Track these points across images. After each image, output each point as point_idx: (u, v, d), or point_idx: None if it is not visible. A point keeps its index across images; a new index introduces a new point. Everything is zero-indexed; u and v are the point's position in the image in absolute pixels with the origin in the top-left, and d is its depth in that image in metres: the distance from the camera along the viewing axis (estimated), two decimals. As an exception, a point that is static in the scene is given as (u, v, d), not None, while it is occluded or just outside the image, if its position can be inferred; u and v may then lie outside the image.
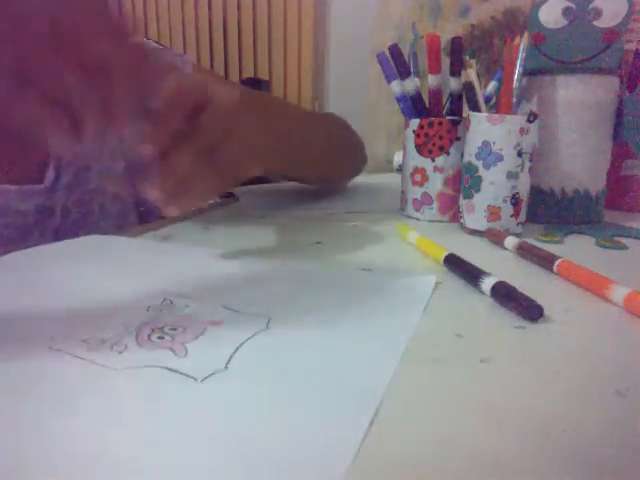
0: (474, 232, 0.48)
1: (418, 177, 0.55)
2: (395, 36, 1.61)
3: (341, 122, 0.73)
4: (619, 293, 0.30)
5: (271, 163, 0.48)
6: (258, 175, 0.41)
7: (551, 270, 0.36)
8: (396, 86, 0.57)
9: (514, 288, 0.30)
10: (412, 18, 1.59)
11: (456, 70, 0.52)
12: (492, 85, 0.56)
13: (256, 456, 0.17)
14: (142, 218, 0.58)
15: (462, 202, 0.50)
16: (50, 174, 0.49)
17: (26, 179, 0.47)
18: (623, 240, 0.46)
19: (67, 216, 0.50)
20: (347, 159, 0.71)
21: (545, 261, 0.37)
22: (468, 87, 0.49)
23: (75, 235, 0.49)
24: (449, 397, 0.21)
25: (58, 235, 0.49)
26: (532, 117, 0.46)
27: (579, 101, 0.51)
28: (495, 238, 0.44)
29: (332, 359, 0.23)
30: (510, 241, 0.42)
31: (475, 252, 0.43)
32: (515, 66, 0.50)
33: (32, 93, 0.23)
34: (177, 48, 1.93)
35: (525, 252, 0.40)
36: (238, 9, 1.96)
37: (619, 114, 0.53)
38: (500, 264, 0.39)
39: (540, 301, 0.29)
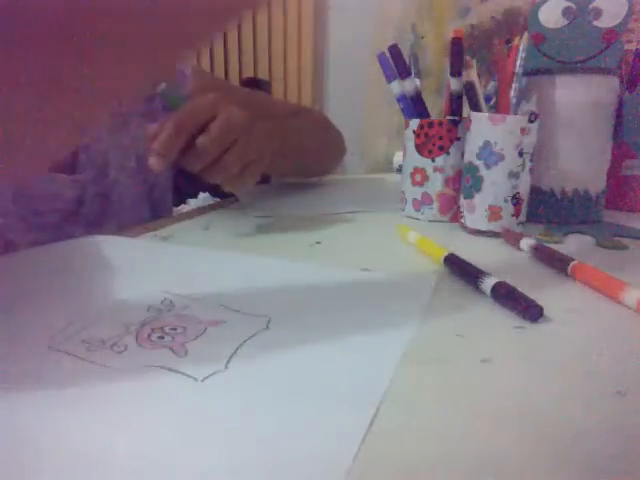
0: (476, 232, 0.48)
1: (418, 177, 0.55)
2: (395, 36, 1.61)
3: (322, 116, 0.82)
4: (633, 295, 0.30)
5: (274, 162, 0.56)
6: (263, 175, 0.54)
7: (565, 272, 0.36)
8: (396, 86, 0.57)
9: (514, 288, 0.30)
10: (412, 19, 1.59)
11: (456, 70, 0.52)
12: (492, 85, 0.56)
13: (256, 456, 0.17)
14: (153, 210, 0.62)
15: (463, 202, 0.50)
16: (82, 166, 0.53)
17: (60, 169, 0.52)
18: (623, 240, 0.46)
19: (93, 208, 0.54)
20: (330, 151, 0.80)
21: (559, 262, 0.37)
22: (469, 87, 0.49)
23: (100, 226, 0.55)
24: (449, 397, 0.21)
25: (88, 225, 0.53)
26: (533, 117, 0.46)
27: (579, 101, 0.51)
28: (511, 238, 0.44)
29: (332, 359, 0.23)
30: (526, 242, 0.42)
31: (477, 252, 0.43)
32: (513, 66, 0.50)
33: None
34: (177, 48, 1.93)
35: (539, 253, 0.40)
36: (238, 9, 1.95)
37: (619, 114, 0.53)
38: (506, 264, 0.39)
39: (543, 301, 0.28)
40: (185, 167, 0.46)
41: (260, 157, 0.50)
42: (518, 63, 0.50)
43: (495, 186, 0.46)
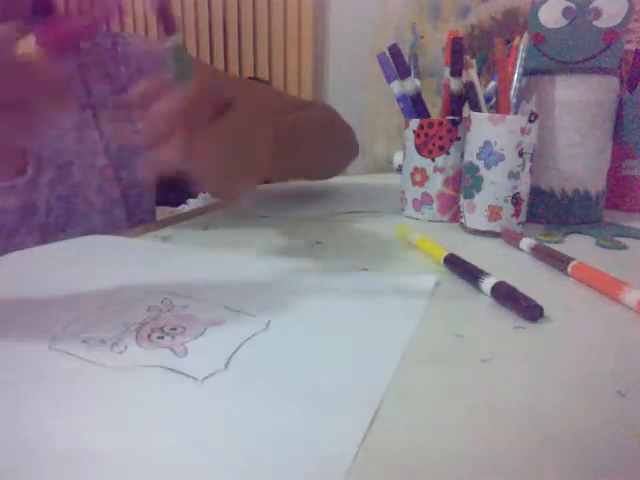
0: (476, 232, 0.48)
1: (418, 177, 0.55)
2: (395, 36, 1.61)
3: (331, 112, 0.74)
4: (633, 295, 0.30)
5: (272, 168, 0.48)
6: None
7: (565, 272, 0.36)
8: (396, 86, 0.57)
9: (514, 288, 0.30)
10: (412, 18, 1.60)
11: (456, 70, 0.52)
12: (492, 85, 0.56)
13: (256, 456, 0.17)
14: (130, 212, 0.58)
15: (463, 202, 0.50)
16: (29, 170, 0.49)
17: (5, 176, 0.48)
18: (623, 240, 0.46)
19: (51, 213, 0.50)
20: (339, 149, 0.72)
21: (559, 262, 0.37)
22: (469, 87, 0.49)
23: (62, 231, 0.50)
24: (449, 397, 0.21)
25: (44, 232, 0.49)
26: (533, 117, 0.46)
27: (579, 101, 0.51)
28: (511, 238, 0.44)
29: (332, 359, 0.23)
30: (526, 242, 0.42)
31: (477, 252, 0.43)
32: (513, 66, 0.50)
33: None
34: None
35: (539, 253, 0.40)
36: (238, 9, 1.96)
37: (619, 114, 0.53)
38: (506, 264, 0.39)
39: (543, 301, 0.28)
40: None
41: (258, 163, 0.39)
42: (518, 63, 0.50)
43: (495, 186, 0.46)
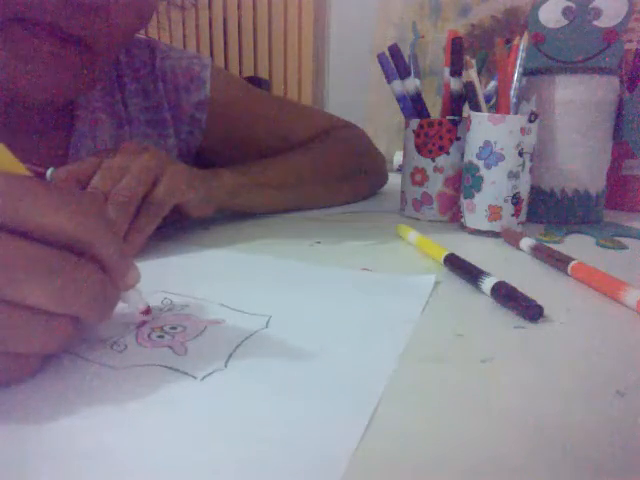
0: (476, 232, 0.48)
1: (418, 177, 0.55)
2: (395, 36, 1.61)
3: (352, 141, 0.69)
4: (633, 295, 0.30)
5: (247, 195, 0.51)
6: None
7: (565, 272, 0.36)
8: (396, 86, 0.57)
9: (514, 288, 0.30)
10: (412, 18, 1.60)
11: (456, 70, 0.52)
12: (492, 85, 0.56)
13: (255, 455, 0.17)
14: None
15: (463, 202, 0.50)
16: None
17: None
18: (623, 240, 0.46)
19: None
20: (355, 181, 0.67)
21: (559, 262, 0.37)
22: (469, 87, 0.49)
23: None
24: (449, 397, 0.21)
25: None
26: (533, 117, 0.46)
27: (579, 101, 0.51)
28: (511, 238, 0.44)
29: (331, 358, 0.23)
30: (526, 242, 0.42)
31: (477, 252, 0.43)
32: (513, 66, 0.50)
33: None
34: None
35: (539, 253, 0.40)
36: (238, 9, 1.96)
37: (619, 114, 0.53)
38: (506, 264, 0.39)
39: (543, 301, 0.28)
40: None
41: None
42: (518, 63, 0.50)
43: (495, 186, 0.46)
